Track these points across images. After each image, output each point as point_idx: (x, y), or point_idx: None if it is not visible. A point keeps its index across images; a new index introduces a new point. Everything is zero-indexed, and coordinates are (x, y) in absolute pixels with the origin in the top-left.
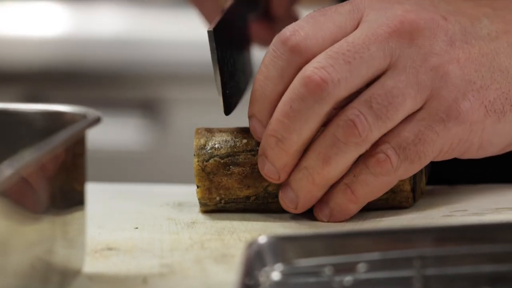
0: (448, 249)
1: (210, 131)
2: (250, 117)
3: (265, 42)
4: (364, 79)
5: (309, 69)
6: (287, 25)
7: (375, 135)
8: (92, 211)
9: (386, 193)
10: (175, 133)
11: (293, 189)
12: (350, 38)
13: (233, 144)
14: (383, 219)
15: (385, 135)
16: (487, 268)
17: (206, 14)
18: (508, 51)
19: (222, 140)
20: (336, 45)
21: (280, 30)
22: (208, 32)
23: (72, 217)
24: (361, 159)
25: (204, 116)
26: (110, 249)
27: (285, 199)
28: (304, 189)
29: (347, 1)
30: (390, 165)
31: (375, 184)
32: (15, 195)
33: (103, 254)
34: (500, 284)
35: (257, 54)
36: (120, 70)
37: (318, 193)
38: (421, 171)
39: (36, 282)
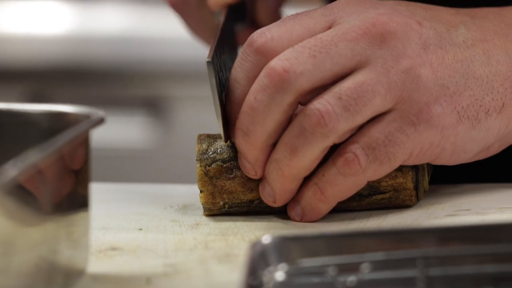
0: (451, 249)
1: (212, 136)
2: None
3: None
4: (329, 74)
5: (273, 61)
6: None
7: (342, 127)
8: (96, 211)
9: (389, 191)
10: (179, 131)
11: (268, 182)
12: (319, 35)
13: (235, 149)
14: (387, 218)
15: (354, 135)
16: (490, 268)
17: (191, 25)
18: (484, 59)
19: (224, 145)
20: (305, 41)
21: None
22: (207, 62)
23: (77, 218)
24: (331, 159)
25: (208, 114)
26: (114, 249)
27: (264, 193)
28: (277, 182)
29: (322, 6)
30: (358, 165)
31: (343, 184)
32: (20, 195)
33: (107, 254)
34: (503, 284)
35: None
36: (124, 68)
37: (290, 185)
38: (423, 169)
39: (40, 282)
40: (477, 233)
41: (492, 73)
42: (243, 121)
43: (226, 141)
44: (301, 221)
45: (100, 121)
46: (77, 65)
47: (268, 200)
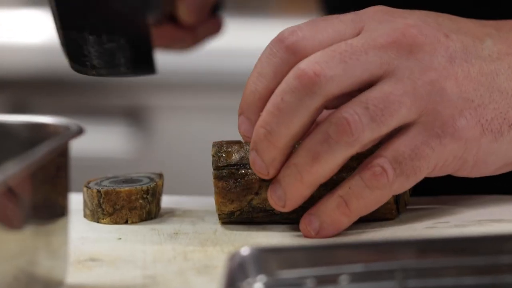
0: (430, 261)
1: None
2: (239, 114)
3: (169, 46)
4: (358, 80)
5: (304, 63)
6: (205, 30)
7: (368, 137)
8: (76, 221)
9: None
10: (160, 141)
11: (281, 186)
12: (349, 41)
13: (216, 159)
14: (366, 231)
15: (381, 148)
16: (469, 280)
17: None
18: (509, 72)
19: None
20: (335, 45)
21: (199, 34)
22: None
23: (55, 228)
24: (357, 172)
25: (189, 124)
26: (93, 260)
27: (274, 196)
28: (292, 187)
29: (351, 12)
30: (386, 179)
31: (370, 197)
32: None
33: (86, 265)
34: None
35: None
36: (105, 78)
37: (305, 191)
38: None
39: None
40: (455, 245)
41: None
42: (267, 120)
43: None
44: (316, 236)
45: (79, 133)
46: (58, 74)
47: (277, 204)
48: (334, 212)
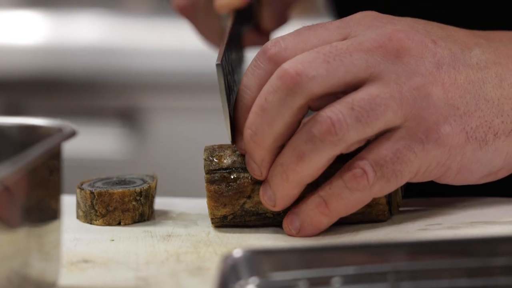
0: (422, 263)
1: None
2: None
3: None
4: (341, 82)
5: (287, 63)
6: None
7: (352, 137)
8: (68, 223)
9: (362, 207)
10: (154, 142)
11: (270, 186)
12: (334, 43)
13: (208, 163)
14: (359, 233)
15: (363, 150)
16: (462, 282)
17: (199, 28)
18: (496, 81)
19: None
20: (320, 47)
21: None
22: (217, 65)
23: (48, 230)
24: (338, 173)
25: (183, 125)
26: (86, 261)
27: (264, 196)
28: (280, 186)
29: (338, 19)
30: (366, 181)
31: (349, 199)
32: None
33: (78, 267)
34: None
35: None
36: (98, 78)
37: (293, 191)
38: None
39: None
40: (448, 247)
41: (504, 96)
42: (252, 121)
43: (233, 143)
44: (297, 235)
45: (72, 135)
46: (52, 75)
47: (268, 203)
48: (314, 212)
